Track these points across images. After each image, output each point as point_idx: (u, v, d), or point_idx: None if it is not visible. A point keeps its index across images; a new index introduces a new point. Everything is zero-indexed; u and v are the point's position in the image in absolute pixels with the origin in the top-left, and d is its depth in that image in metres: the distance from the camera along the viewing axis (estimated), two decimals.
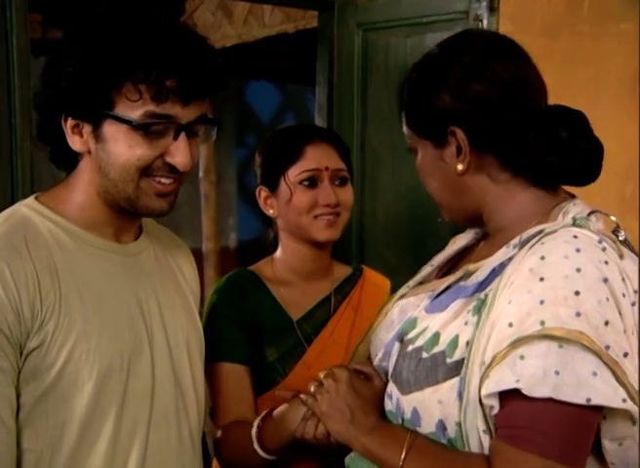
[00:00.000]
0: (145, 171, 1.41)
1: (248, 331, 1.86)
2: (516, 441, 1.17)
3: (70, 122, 1.41)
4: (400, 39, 2.62)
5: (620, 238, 1.30)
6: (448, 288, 1.43)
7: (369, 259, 2.69)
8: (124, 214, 1.48)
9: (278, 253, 1.99)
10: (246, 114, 7.78)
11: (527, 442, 1.16)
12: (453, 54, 1.40)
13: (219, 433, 1.80)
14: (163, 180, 1.43)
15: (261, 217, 2.00)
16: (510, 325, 1.19)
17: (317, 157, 1.89)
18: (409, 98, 1.43)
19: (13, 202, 1.67)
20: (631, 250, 1.30)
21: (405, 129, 1.46)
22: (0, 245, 1.35)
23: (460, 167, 1.38)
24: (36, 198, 1.47)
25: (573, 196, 1.40)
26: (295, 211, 1.89)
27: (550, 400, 1.14)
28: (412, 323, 1.42)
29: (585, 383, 1.13)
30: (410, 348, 1.36)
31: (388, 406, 1.43)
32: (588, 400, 1.13)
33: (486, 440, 1.23)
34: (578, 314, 1.16)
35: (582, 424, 1.17)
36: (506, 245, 1.35)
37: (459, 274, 1.44)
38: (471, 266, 1.41)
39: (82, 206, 1.46)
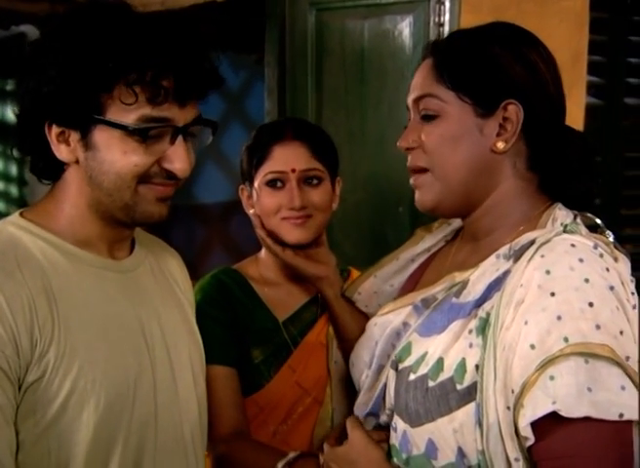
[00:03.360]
0: (142, 178, 1.30)
1: (234, 332, 1.79)
2: None
3: (55, 130, 1.29)
4: (357, 21, 2.52)
5: (610, 239, 1.28)
6: (435, 302, 1.36)
7: None
8: (118, 227, 1.37)
9: (262, 253, 1.93)
10: None
11: None
12: (527, 37, 1.36)
13: (221, 447, 1.72)
14: (160, 187, 1.33)
15: (242, 228, 1.93)
16: (532, 347, 1.15)
17: (284, 158, 1.80)
18: (466, 52, 1.33)
19: None
20: (619, 249, 1.28)
21: (436, 88, 1.34)
22: None
23: (500, 145, 1.31)
24: (21, 214, 1.35)
25: (553, 199, 1.37)
26: (263, 213, 1.82)
27: (587, 419, 1.11)
28: (406, 348, 1.35)
29: (616, 398, 1.11)
30: (412, 377, 1.30)
31: (392, 439, 1.36)
32: (621, 415, 1.10)
33: (519, 467, 1.17)
34: (597, 326, 1.13)
35: (625, 441, 1.13)
36: (495, 254, 1.31)
37: (443, 284, 1.38)
38: (457, 276, 1.35)
39: (72, 220, 1.35)
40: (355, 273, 2.00)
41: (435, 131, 1.33)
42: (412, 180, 1.39)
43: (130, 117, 1.25)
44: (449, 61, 1.33)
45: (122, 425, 1.31)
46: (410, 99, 1.38)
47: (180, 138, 1.30)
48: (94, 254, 1.36)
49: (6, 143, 5.51)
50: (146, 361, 1.37)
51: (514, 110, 1.30)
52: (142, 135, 1.26)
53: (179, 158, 1.31)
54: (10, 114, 5.47)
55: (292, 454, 1.60)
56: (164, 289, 1.50)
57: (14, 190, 5.58)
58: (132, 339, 1.36)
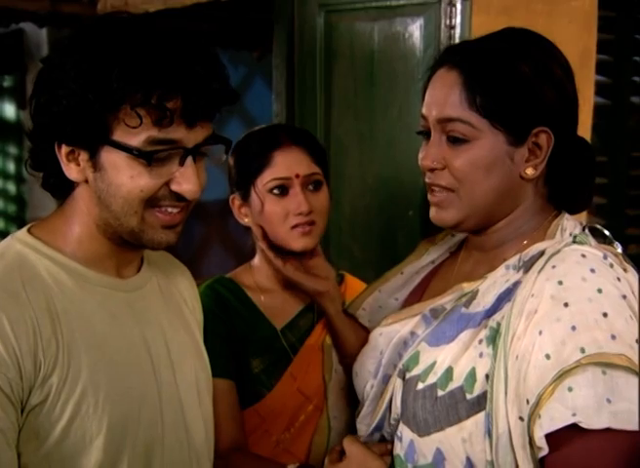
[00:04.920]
0: (150, 201, 1.27)
1: (232, 343, 1.77)
2: None
3: (65, 149, 1.26)
4: (367, 23, 2.49)
5: (619, 250, 1.29)
6: (444, 312, 1.36)
7: (335, 253, 2.59)
8: (126, 247, 1.34)
9: (256, 260, 1.90)
10: None
11: None
12: (551, 50, 1.33)
13: (218, 464, 1.65)
14: (170, 210, 1.29)
15: (241, 225, 1.89)
16: (548, 357, 1.15)
17: (287, 163, 1.78)
18: (499, 77, 1.29)
19: None
20: (627, 261, 1.28)
21: (467, 114, 1.29)
22: None
23: (530, 171, 1.31)
24: (29, 230, 1.32)
25: (558, 208, 1.38)
26: (268, 221, 1.79)
27: (608, 430, 1.11)
28: (414, 358, 1.35)
29: (636, 408, 1.10)
30: (420, 386, 1.30)
31: (397, 449, 1.36)
32: None
33: None
34: (613, 336, 1.14)
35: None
36: (504, 265, 1.31)
37: (452, 294, 1.37)
38: (466, 287, 1.35)
39: (81, 238, 1.32)
40: (349, 278, 1.99)
41: (465, 156, 1.30)
42: (431, 197, 1.37)
43: (136, 139, 1.22)
44: (482, 85, 1.29)
45: (127, 448, 1.28)
46: (433, 117, 1.33)
47: (189, 160, 1.26)
48: (100, 274, 1.33)
49: (3, 141, 5.48)
50: (152, 382, 1.35)
51: (545, 138, 1.29)
52: (147, 158, 1.23)
53: (187, 180, 1.27)
54: (8, 111, 5.45)
55: (291, 466, 1.59)
56: (171, 307, 1.47)
57: (12, 188, 5.56)
58: (137, 361, 1.33)
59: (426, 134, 1.37)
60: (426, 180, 1.36)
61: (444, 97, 1.32)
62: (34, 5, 3.69)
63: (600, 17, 2.65)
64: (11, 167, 5.51)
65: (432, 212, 1.37)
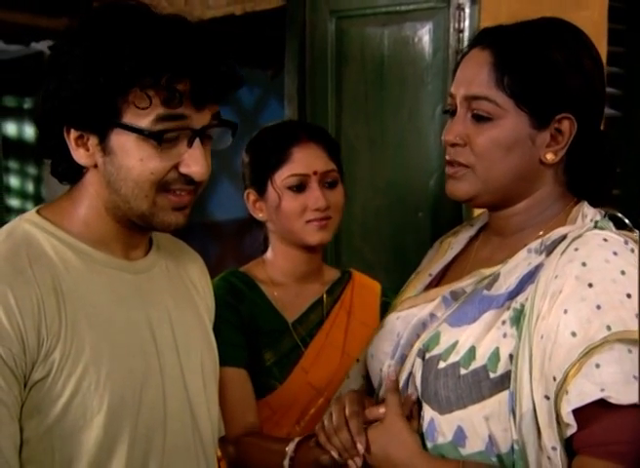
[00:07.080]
0: (161, 186, 1.29)
1: (245, 334, 1.80)
2: (611, 456, 1.15)
3: (74, 134, 1.28)
4: (377, 28, 2.53)
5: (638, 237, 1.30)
6: (464, 295, 1.37)
7: (346, 255, 2.62)
8: (134, 230, 1.36)
9: (269, 254, 1.93)
10: None
11: (620, 455, 1.15)
12: (584, 42, 1.36)
13: (230, 449, 1.72)
14: (179, 192, 1.31)
15: (251, 220, 1.92)
16: (574, 334, 1.17)
17: (305, 160, 1.81)
18: (530, 60, 1.31)
19: None
20: None
21: (494, 92, 1.32)
22: (1, 266, 1.24)
23: (550, 156, 1.33)
24: (38, 212, 1.35)
25: (577, 197, 1.40)
26: (285, 216, 1.82)
27: (634, 407, 1.13)
28: (434, 338, 1.36)
29: None
30: (442, 365, 1.31)
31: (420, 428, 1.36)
32: None
33: (556, 456, 1.18)
34: (637, 316, 1.16)
35: None
36: (526, 248, 1.33)
37: (472, 278, 1.39)
38: (487, 271, 1.37)
39: (88, 221, 1.34)
40: (357, 275, 2.01)
41: (488, 134, 1.33)
42: (448, 171, 1.39)
43: (145, 120, 1.24)
44: (512, 66, 1.31)
45: (127, 428, 1.29)
46: (460, 94, 1.36)
47: (197, 142, 1.29)
48: (107, 255, 1.35)
49: (23, 161, 5.55)
50: (155, 364, 1.35)
51: (568, 125, 1.32)
52: (157, 138, 1.25)
53: (195, 161, 1.29)
54: (27, 132, 5.50)
55: (298, 438, 1.59)
56: (179, 291, 1.48)
57: (30, 207, 5.61)
58: (140, 342, 1.34)
59: (452, 112, 1.39)
60: (446, 158, 1.39)
61: (473, 76, 1.34)
62: (53, 22, 3.76)
63: (610, 29, 2.67)
64: (30, 187, 5.57)
65: (447, 184, 1.40)
